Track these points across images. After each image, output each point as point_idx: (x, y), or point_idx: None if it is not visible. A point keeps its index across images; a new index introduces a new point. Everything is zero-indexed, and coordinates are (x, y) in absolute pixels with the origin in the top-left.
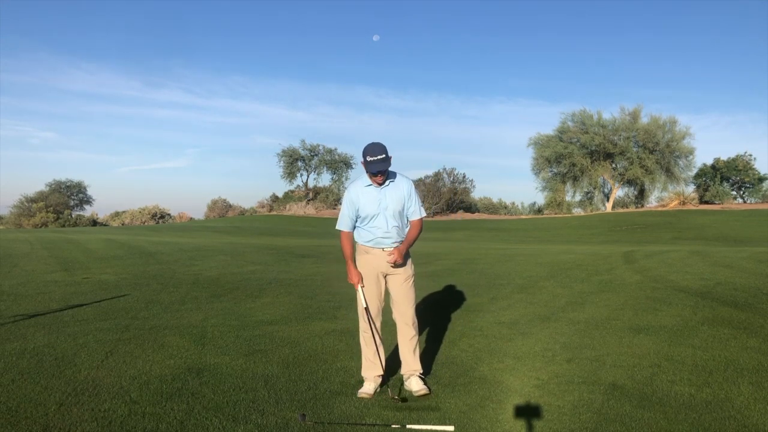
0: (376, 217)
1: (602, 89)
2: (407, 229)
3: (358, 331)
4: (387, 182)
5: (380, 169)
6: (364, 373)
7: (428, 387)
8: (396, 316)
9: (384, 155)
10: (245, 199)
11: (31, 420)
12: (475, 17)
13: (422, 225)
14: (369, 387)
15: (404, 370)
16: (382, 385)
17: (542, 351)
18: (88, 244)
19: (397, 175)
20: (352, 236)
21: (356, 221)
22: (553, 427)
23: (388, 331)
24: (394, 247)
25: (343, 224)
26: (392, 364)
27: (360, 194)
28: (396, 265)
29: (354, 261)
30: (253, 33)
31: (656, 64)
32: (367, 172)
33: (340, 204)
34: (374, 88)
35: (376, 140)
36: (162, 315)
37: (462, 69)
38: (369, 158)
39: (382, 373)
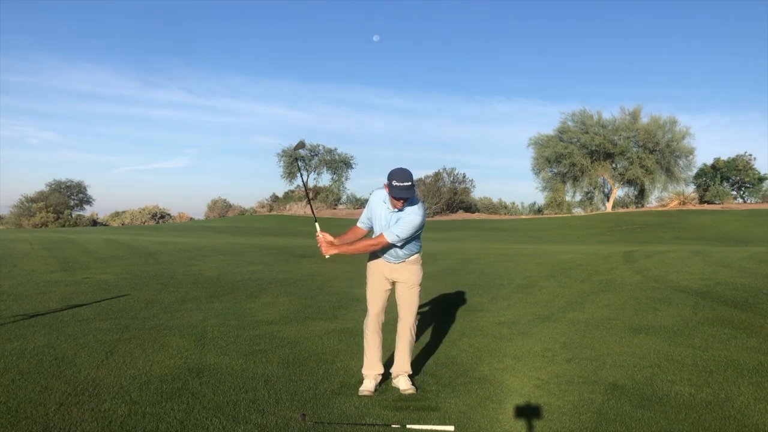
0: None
1: (602, 89)
2: (413, 248)
3: (358, 331)
4: (404, 207)
5: (403, 196)
6: (365, 371)
7: (415, 386)
8: (399, 320)
9: (410, 183)
10: (245, 199)
11: (31, 420)
12: (474, 16)
13: (383, 245)
14: (370, 384)
15: (394, 370)
16: (381, 383)
17: (542, 351)
18: (88, 244)
19: (416, 201)
20: (360, 232)
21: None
22: (553, 427)
23: (387, 331)
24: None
25: (360, 221)
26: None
27: (376, 206)
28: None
29: (342, 244)
30: (253, 33)
31: (656, 63)
32: (389, 195)
33: (341, 204)
34: (374, 87)
35: (400, 166)
36: (162, 315)
37: (461, 68)
38: (395, 183)
39: (382, 371)
